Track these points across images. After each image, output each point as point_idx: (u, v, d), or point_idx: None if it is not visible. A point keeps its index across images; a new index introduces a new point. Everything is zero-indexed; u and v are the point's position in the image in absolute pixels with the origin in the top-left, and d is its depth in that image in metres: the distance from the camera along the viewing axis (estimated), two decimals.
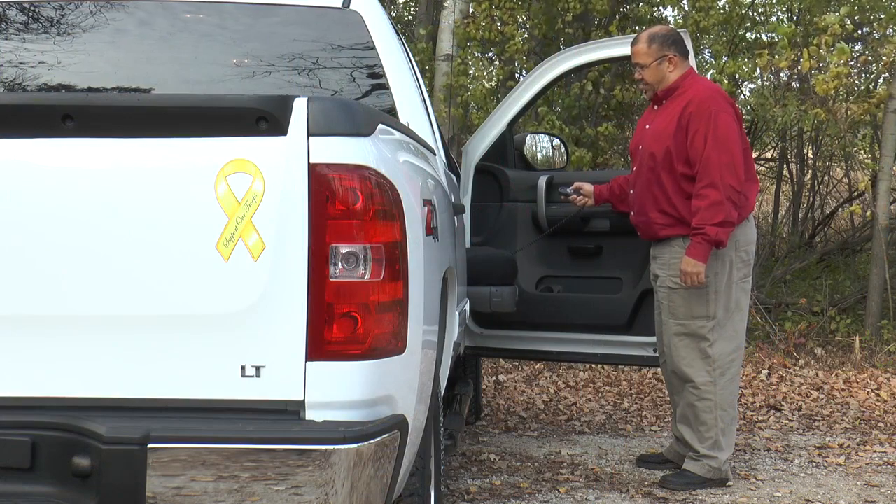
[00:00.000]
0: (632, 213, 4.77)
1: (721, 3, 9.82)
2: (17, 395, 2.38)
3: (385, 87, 3.61)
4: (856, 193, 10.94)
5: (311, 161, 2.32)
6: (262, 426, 2.31)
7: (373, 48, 3.62)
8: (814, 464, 5.19)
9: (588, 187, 4.95)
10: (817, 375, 7.61)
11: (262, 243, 2.32)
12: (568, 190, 4.97)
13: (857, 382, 7.41)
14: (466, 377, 5.40)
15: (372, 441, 2.31)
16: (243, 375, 2.35)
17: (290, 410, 2.34)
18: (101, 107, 2.46)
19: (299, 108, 2.34)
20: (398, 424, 2.43)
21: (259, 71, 3.64)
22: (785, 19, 11.08)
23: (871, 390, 7.17)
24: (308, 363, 2.34)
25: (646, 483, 4.74)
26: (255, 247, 2.32)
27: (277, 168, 2.33)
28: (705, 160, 4.39)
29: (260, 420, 2.33)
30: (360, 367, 2.36)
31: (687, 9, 10.06)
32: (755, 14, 10.87)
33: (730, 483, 4.67)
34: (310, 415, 2.34)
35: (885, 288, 8.75)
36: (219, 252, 2.32)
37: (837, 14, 8.41)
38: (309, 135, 2.33)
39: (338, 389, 2.35)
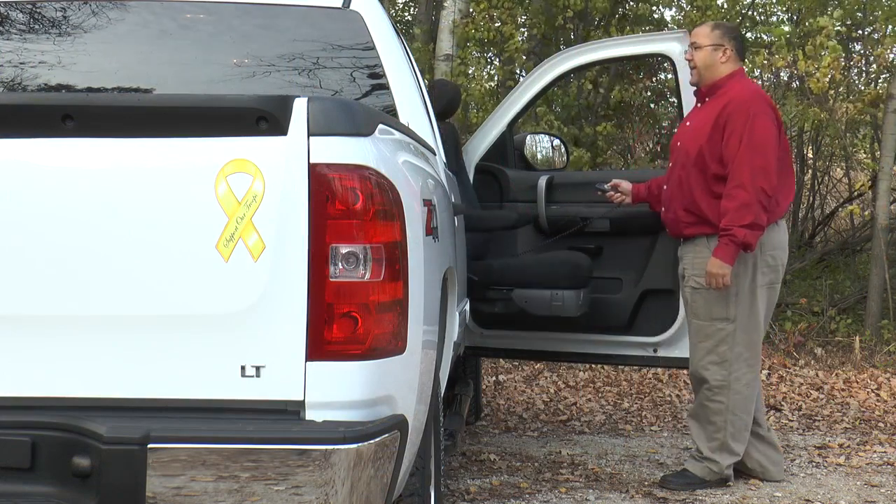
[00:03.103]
0: (662, 210, 4.72)
1: (720, 2, 9.83)
2: (17, 395, 2.38)
3: (385, 87, 3.61)
4: (856, 193, 10.93)
5: (312, 161, 2.32)
6: (262, 426, 2.31)
7: (373, 48, 3.62)
8: (814, 464, 5.19)
9: (626, 185, 4.88)
10: (817, 375, 7.61)
11: (262, 243, 2.32)
12: (605, 186, 4.91)
13: (857, 382, 7.41)
14: (466, 377, 5.40)
15: (372, 441, 2.31)
16: (243, 375, 2.35)
17: (290, 410, 2.34)
18: (101, 107, 2.46)
19: (299, 108, 2.34)
20: (398, 424, 2.43)
21: (259, 71, 3.64)
22: (785, 19, 11.09)
23: (871, 390, 7.17)
24: (308, 363, 2.34)
25: (646, 483, 4.74)
26: (255, 247, 2.32)
27: (277, 168, 2.33)
28: (738, 161, 4.34)
29: (260, 420, 2.33)
30: (360, 367, 2.36)
31: (686, 8, 10.07)
32: (755, 14, 10.87)
33: (730, 483, 4.66)
34: (310, 415, 2.34)
35: (885, 288, 8.75)
36: (219, 252, 2.32)
37: (830, 16, 8.44)
38: (309, 135, 2.33)
39: (338, 389, 2.35)
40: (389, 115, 3.43)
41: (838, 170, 12.36)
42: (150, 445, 2.25)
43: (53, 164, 2.37)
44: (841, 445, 5.60)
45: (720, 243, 4.37)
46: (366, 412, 2.37)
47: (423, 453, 2.97)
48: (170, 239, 2.34)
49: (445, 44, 9.02)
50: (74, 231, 2.35)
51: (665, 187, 4.68)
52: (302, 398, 2.34)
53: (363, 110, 2.50)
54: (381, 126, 2.57)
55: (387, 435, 2.36)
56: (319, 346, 2.33)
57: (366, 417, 2.36)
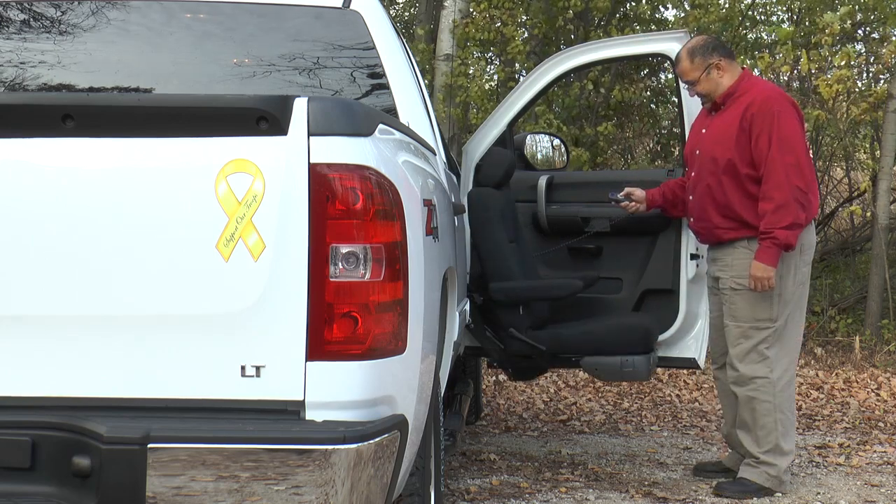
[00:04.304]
0: (691, 220, 4.68)
1: (721, 1, 9.81)
2: (17, 395, 2.38)
3: (385, 87, 3.61)
4: (856, 193, 10.93)
5: (312, 161, 2.33)
6: (262, 426, 2.31)
7: (373, 48, 3.62)
8: (814, 464, 5.19)
9: (639, 193, 4.81)
10: (817, 375, 7.61)
11: (263, 243, 2.32)
12: (619, 196, 4.85)
13: (857, 382, 7.42)
14: (466, 377, 5.40)
15: (372, 441, 2.32)
16: (243, 375, 2.35)
17: (290, 410, 2.34)
18: (101, 107, 2.46)
19: (299, 108, 2.34)
20: (398, 424, 2.43)
21: (259, 71, 3.64)
22: (785, 19, 11.08)
23: (871, 390, 7.17)
24: (308, 363, 2.34)
25: (645, 483, 4.74)
26: (256, 247, 2.32)
27: (278, 168, 2.33)
28: (770, 162, 4.31)
29: (260, 420, 2.33)
30: (360, 367, 2.36)
31: (688, 7, 10.07)
32: (755, 14, 10.86)
33: (779, 493, 4.51)
34: (310, 415, 2.34)
35: (885, 288, 8.76)
36: (219, 252, 2.32)
37: (837, 13, 8.39)
38: (309, 135, 2.33)
39: (338, 389, 2.35)
40: (389, 115, 3.43)
41: (838, 170, 12.36)
42: (150, 445, 2.25)
43: (53, 164, 2.37)
44: (841, 445, 5.60)
45: (762, 246, 4.33)
46: (366, 412, 2.37)
47: (423, 453, 2.97)
48: (170, 239, 2.34)
49: (445, 44, 9.03)
50: (74, 231, 2.35)
51: (691, 198, 4.63)
52: (302, 398, 2.34)
53: (363, 110, 2.50)
54: (381, 126, 2.57)
55: (387, 435, 2.37)
56: (319, 346, 2.34)
57: (366, 417, 2.36)
